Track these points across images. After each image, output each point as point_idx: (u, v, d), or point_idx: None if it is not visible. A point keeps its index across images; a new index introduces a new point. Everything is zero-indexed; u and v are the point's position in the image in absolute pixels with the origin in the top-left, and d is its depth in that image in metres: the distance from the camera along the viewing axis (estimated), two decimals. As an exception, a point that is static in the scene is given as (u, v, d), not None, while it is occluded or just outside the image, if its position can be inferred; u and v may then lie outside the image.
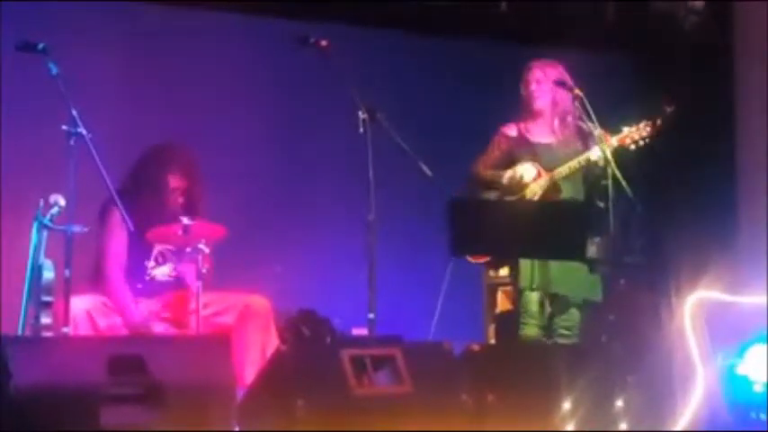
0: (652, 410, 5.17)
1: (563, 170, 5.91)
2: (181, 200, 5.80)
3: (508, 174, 5.97)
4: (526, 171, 5.95)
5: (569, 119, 6.05)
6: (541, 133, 6.09)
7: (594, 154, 5.80)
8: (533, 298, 5.84)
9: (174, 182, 5.79)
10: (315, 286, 6.61)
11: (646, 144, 5.86)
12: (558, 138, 6.05)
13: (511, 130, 6.11)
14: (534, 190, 5.94)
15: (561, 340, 5.86)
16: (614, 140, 5.84)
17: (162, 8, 6.64)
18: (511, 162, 6.04)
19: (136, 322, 5.58)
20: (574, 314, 5.92)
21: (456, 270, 5.97)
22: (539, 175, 5.94)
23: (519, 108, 6.13)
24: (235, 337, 5.46)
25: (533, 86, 6.05)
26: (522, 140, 6.07)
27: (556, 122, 6.06)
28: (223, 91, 6.68)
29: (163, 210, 5.71)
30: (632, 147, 5.87)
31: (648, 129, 5.86)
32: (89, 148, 5.06)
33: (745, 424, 5.33)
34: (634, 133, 5.86)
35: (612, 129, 5.86)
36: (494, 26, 7.39)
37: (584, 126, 5.93)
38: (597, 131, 5.70)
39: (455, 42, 7.33)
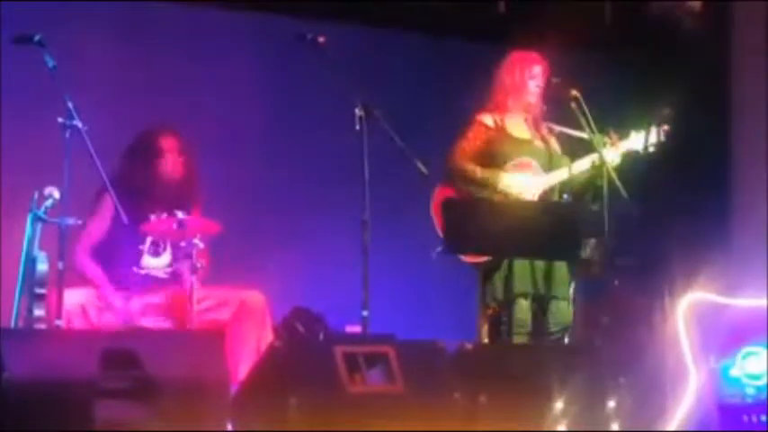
0: (644, 412, 5.18)
1: (582, 164, 5.78)
2: (179, 160, 5.81)
3: (504, 181, 5.83)
4: (527, 184, 5.83)
5: (540, 119, 5.96)
6: (518, 128, 5.95)
7: (610, 155, 5.69)
8: (524, 306, 5.74)
9: (167, 143, 5.81)
10: (310, 283, 6.60)
11: (656, 149, 5.80)
12: (535, 135, 5.95)
13: (487, 120, 5.94)
14: (536, 187, 5.85)
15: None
16: (624, 145, 5.77)
17: (160, 3, 6.63)
18: (490, 154, 5.88)
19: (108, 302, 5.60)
20: (566, 314, 5.85)
21: (450, 268, 5.98)
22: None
23: (493, 95, 5.98)
24: (230, 333, 5.47)
25: (538, 81, 5.91)
26: (502, 133, 5.91)
27: (531, 119, 5.96)
28: (220, 86, 6.67)
29: (159, 174, 5.75)
30: (641, 152, 5.80)
31: (659, 134, 5.78)
32: (85, 141, 5.06)
33: (738, 427, 5.34)
34: (643, 138, 5.78)
35: (608, 129, 5.84)
36: (491, 26, 7.38)
37: (553, 127, 5.90)
38: (596, 135, 5.66)
39: (452, 42, 7.32)
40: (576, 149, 5.86)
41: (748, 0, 7.49)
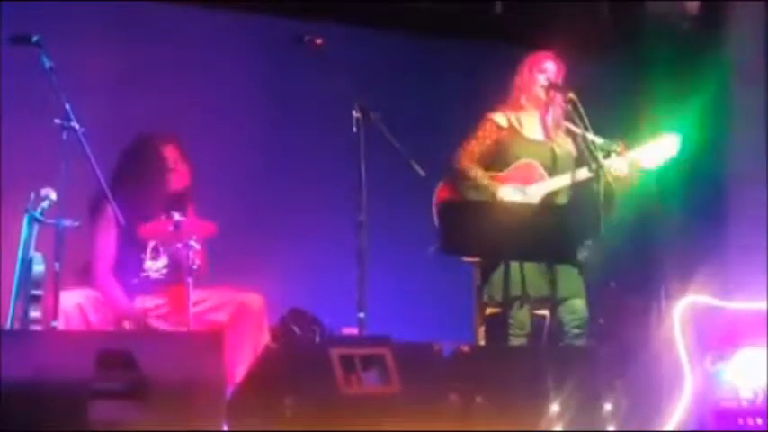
0: (640, 414, 5.18)
1: (583, 172, 5.68)
2: (183, 169, 5.80)
3: (501, 194, 5.75)
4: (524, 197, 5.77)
5: (560, 119, 5.91)
6: (534, 129, 5.90)
7: (615, 166, 5.64)
8: (523, 308, 5.69)
9: (166, 150, 5.80)
10: (306, 285, 6.60)
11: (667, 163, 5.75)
12: (550, 136, 5.89)
13: (499, 119, 5.88)
14: (533, 198, 5.80)
15: (575, 341, 5.71)
16: (632, 155, 5.68)
17: (158, 4, 6.63)
18: (499, 154, 5.84)
19: (129, 316, 5.58)
20: (581, 310, 5.77)
21: (447, 270, 5.97)
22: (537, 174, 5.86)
23: (508, 94, 5.94)
24: (228, 335, 5.45)
25: (548, 75, 5.83)
26: (515, 133, 5.85)
27: (550, 120, 5.89)
28: (218, 88, 6.68)
29: (158, 179, 5.74)
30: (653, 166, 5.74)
31: (674, 147, 5.71)
32: (81, 143, 5.06)
33: (733, 429, 5.34)
34: (651, 151, 5.72)
35: (617, 138, 5.80)
36: (488, 27, 7.39)
37: (572, 127, 5.84)
38: (601, 140, 5.63)
39: (449, 43, 7.32)
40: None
41: (746, 0, 7.49)
